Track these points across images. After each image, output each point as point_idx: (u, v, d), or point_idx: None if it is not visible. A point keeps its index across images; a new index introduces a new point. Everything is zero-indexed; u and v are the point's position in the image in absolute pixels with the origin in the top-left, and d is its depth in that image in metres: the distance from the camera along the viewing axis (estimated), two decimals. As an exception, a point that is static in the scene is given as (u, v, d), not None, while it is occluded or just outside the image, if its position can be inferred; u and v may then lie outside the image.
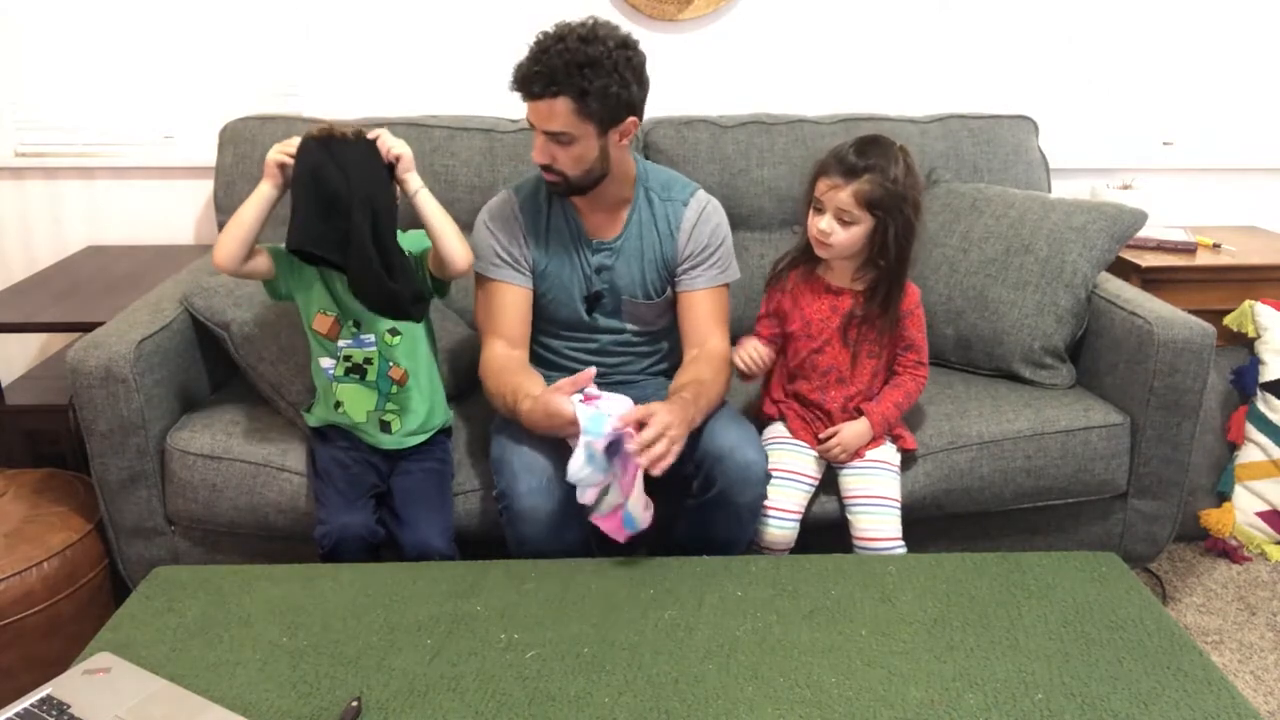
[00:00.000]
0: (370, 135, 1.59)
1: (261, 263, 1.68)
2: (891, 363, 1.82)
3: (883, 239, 1.68)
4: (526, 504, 1.60)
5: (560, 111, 1.59)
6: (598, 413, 1.55)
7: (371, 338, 1.72)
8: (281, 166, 1.59)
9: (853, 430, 1.77)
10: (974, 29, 2.57)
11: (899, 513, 1.77)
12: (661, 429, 1.53)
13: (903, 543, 1.75)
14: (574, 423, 1.54)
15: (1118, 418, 1.93)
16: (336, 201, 1.54)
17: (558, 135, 1.62)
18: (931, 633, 1.35)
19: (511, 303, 1.79)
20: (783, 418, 1.85)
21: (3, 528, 1.82)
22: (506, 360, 1.76)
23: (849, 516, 1.78)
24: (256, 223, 1.62)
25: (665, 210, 1.80)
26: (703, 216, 1.80)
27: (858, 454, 1.80)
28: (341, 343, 1.72)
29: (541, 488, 1.60)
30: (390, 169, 1.61)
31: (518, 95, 1.62)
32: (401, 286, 1.59)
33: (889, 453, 1.82)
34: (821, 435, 1.79)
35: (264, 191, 1.62)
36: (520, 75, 1.59)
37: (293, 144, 1.57)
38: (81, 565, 1.82)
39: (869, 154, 1.66)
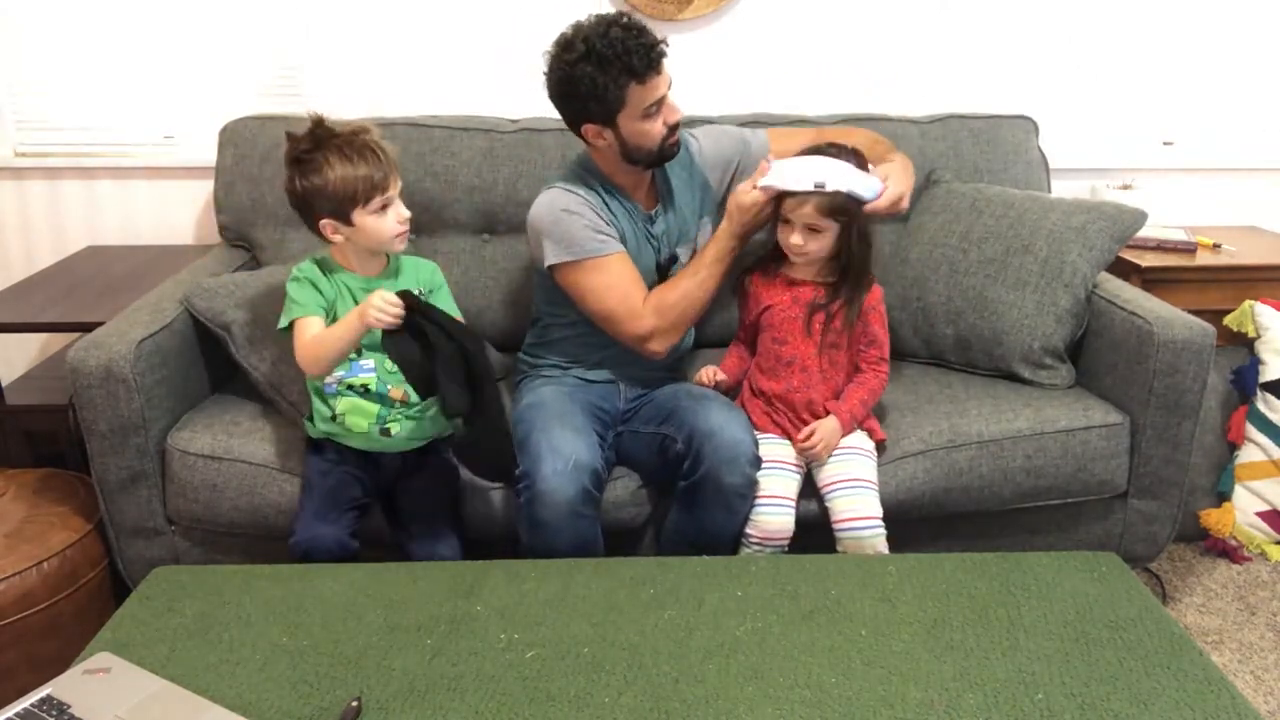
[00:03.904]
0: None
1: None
2: (854, 358, 1.85)
3: (848, 239, 1.77)
4: (549, 485, 1.61)
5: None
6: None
7: (370, 363, 1.70)
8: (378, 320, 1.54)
9: (828, 427, 1.79)
10: (974, 29, 2.57)
11: (877, 494, 1.78)
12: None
13: (882, 524, 1.75)
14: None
15: (1117, 418, 1.93)
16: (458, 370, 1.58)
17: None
18: (931, 633, 1.35)
19: (629, 267, 1.81)
20: (749, 412, 1.87)
21: (3, 528, 1.82)
22: (651, 302, 1.81)
23: (828, 503, 1.78)
24: (346, 352, 1.64)
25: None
26: (694, 136, 1.97)
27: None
28: (339, 372, 1.70)
29: (565, 471, 1.61)
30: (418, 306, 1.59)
31: (638, 80, 1.68)
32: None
33: (861, 439, 1.84)
34: (800, 436, 1.80)
35: (357, 330, 1.58)
36: (648, 56, 1.67)
37: (395, 305, 1.54)
38: (81, 565, 1.82)
39: None
